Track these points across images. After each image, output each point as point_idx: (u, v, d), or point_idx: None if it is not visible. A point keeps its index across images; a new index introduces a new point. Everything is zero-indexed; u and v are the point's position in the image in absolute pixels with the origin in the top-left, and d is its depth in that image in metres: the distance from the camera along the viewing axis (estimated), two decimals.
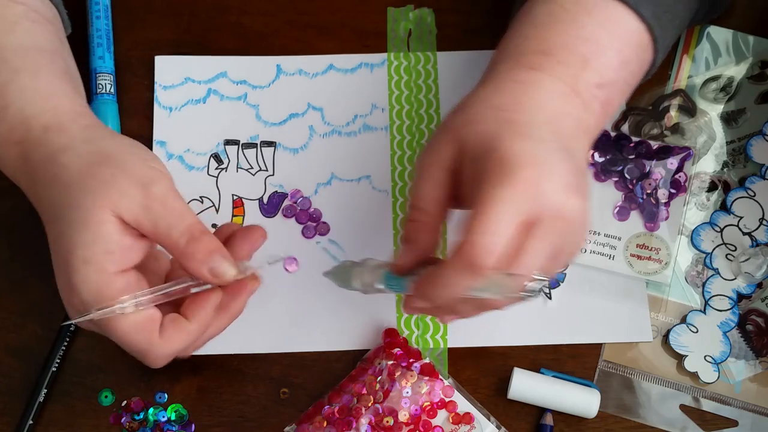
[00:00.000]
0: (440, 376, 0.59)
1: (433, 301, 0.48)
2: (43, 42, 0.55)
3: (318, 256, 0.63)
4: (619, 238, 0.62)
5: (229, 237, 0.52)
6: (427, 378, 0.58)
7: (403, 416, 0.57)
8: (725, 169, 0.65)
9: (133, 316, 0.48)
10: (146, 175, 0.49)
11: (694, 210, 0.64)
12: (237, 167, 0.65)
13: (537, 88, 0.50)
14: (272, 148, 0.66)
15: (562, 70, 0.51)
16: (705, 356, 0.60)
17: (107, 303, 0.47)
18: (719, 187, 0.64)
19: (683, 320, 0.61)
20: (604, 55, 0.52)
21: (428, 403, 0.58)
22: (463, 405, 0.58)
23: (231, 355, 0.61)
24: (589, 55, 0.52)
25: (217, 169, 0.65)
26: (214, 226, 0.63)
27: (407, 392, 0.58)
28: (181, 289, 0.50)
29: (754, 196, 0.63)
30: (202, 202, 0.64)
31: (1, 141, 0.52)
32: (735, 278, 0.62)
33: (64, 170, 0.49)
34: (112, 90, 0.65)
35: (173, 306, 0.51)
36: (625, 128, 0.65)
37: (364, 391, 0.58)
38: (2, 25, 0.54)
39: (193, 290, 0.50)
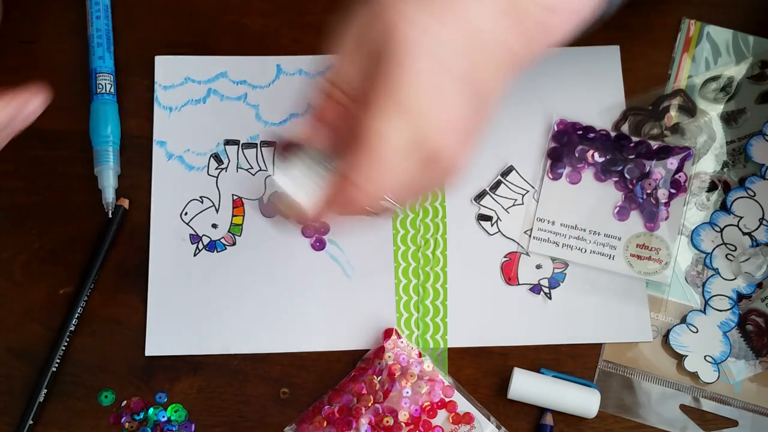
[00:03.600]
0: (440, 376, 0.59)
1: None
2: None
3: (318, 256, 0.63)
4: (619, 238, 0.62)
5: None
6: (427, 378, 0.58)
7: (403, 416, 0.57)
8: (725, 169, 0.65)
9: None
10: None
11: (694, 210, 0.64)
12: (237, 167, 0.65)
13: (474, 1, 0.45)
14: (272, 148, 0.66)
15: None
16: (705, 356, 0.60)
17: None
18: (719, 187, 0.64)
19: (683, 320, 0.61)
20: None
21: (428, 403, 0.58)
22: (463, 405, 0.58)
23: (231, 355, 0.61)
24: None
25: (217, 169, 0.65)
26: (214, 226, 0.63)
27: (407, 392, 0.58)
28: None
29: (754, 196, 0.63)
30: (202, 202, 0.64)
31: None
32: (735, 278, 0.62)
33: None
34: (112, 90, 0.65)
35: None
36: (625, 128, 0.65)
37: (364, 391, 0.58)
38: None
39: None
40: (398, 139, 0.43)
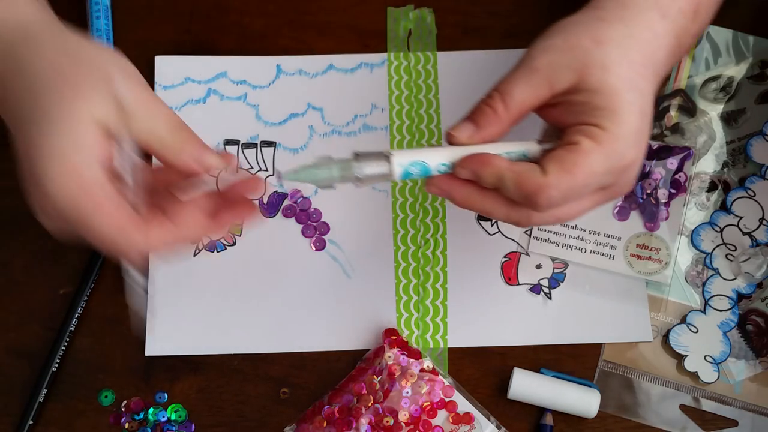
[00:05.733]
0: (440, 376, 0.59)
1: (476, 179, 0.49)
2: None
3: (318, 256, 0.63)
4: (619, 238, 0.62)
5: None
6: (427, 378, 0.58)
7: (403, 416, 0.57)
8: (725, 169, 0.65)
9: (110, 211, 0.45)
10: (122, 73, 0.47)
11: (694, 210, 0.64)
12: (237, 167, 0.65)
13: (641, 23, 0.51)
14: (272, 148, 0.66)
15: None
16: (705, 356, 0.60)
17: (93, 195, 0.45)
18: (719, 187, 0.64)
19: (683, 320, 0.61)
20: None
21: (428, 403, 0.58)
22: (463, 405, 0.58)
23: (231, 355, 0.61)
24: None
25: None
26: None
27: (407, 392, 0.58)
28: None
29: (754, 196, 0.63)
30: None
31: None
32: (735, 278, 0.62)
33: (36, 79, 0.46)
34: None
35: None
36: None
37: (364, 391, 0.58)
38: None
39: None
40: (601, 170, 0.48)
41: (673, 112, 0.66)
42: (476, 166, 0.49)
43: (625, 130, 0.48)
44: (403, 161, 0.48)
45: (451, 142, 0.50)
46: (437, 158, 0.49)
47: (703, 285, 0.62)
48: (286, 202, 0.64)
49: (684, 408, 0.60)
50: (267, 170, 0.65)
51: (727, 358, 0.60)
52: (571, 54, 0.50)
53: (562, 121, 0.50)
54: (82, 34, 0.49)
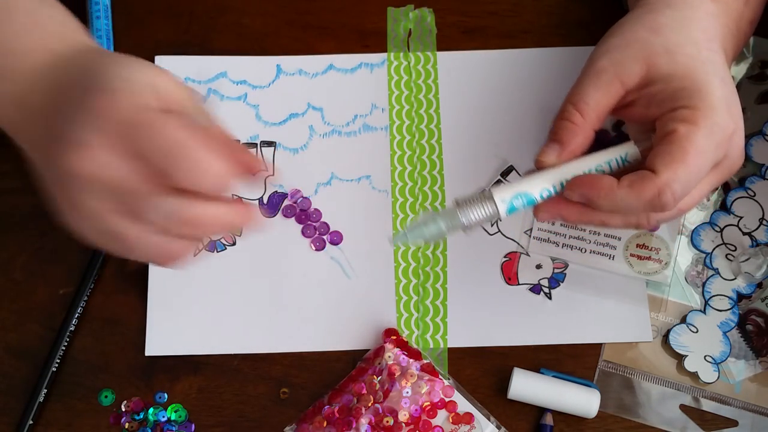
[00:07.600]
0: (440, 376, 0.59)
1: (590, 204, 0.49)
2: None
3: (318, 256, 0.63)
4: (619, 238, 0.62)
5: None
6: (427, 378, 0.58)
7: (403, 416, 0.57)
8: None
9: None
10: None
11: (694, 210, 0.64)
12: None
13: (692, 5, 0.52)
14: (272, 148, 0.66)
15: None
16: (705, 356, 0.60)
17: None
18: (719, 187, 0.64)
19: (683, 320, 0.61)
20: None
21: (428, 403, 0.58)
22: (463, 405, 0.58)
23: (231, 355, 0.61)
24: None
25: None
26: None
27: (407, 392, 0.58)
28: None
29: (754, 196, 0.63)
30: None
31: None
32: (735, 278, 0.62)
33: (96, 61, 0.46)
34: None
35: None
36: (625, 128, 0.65)
37: (364, 391, 0.58)
38: None
39: None
40: (709, 147, 0.48)
41: None
42: (587, 190, 0.49)
43: (714, 101, 0.48)
44: (506, 196, 0.49)
45: (541, 167, 0.50)
46: (539, 185, 0.49)
47: (703, 285, 0.62)
48: (286, 202, 0.64)
49: (684, 408, 0.60)
50: (267, 170, 0.65)
51: (727, 358, 0.60)
52: (632, 47, 0.50)
53: (648, 117, 0.50)
54: None
